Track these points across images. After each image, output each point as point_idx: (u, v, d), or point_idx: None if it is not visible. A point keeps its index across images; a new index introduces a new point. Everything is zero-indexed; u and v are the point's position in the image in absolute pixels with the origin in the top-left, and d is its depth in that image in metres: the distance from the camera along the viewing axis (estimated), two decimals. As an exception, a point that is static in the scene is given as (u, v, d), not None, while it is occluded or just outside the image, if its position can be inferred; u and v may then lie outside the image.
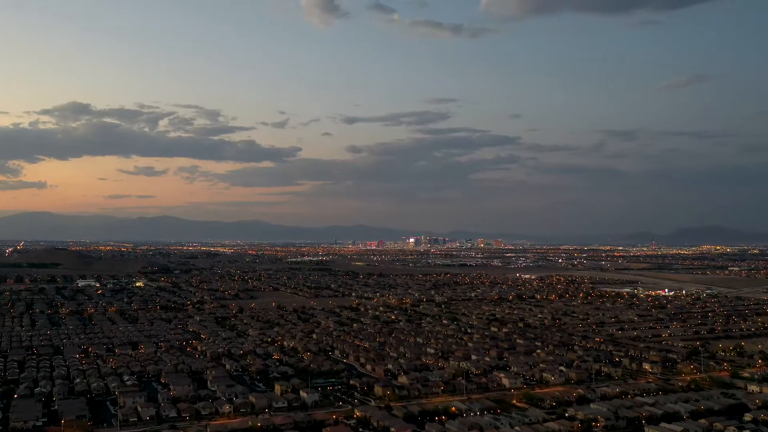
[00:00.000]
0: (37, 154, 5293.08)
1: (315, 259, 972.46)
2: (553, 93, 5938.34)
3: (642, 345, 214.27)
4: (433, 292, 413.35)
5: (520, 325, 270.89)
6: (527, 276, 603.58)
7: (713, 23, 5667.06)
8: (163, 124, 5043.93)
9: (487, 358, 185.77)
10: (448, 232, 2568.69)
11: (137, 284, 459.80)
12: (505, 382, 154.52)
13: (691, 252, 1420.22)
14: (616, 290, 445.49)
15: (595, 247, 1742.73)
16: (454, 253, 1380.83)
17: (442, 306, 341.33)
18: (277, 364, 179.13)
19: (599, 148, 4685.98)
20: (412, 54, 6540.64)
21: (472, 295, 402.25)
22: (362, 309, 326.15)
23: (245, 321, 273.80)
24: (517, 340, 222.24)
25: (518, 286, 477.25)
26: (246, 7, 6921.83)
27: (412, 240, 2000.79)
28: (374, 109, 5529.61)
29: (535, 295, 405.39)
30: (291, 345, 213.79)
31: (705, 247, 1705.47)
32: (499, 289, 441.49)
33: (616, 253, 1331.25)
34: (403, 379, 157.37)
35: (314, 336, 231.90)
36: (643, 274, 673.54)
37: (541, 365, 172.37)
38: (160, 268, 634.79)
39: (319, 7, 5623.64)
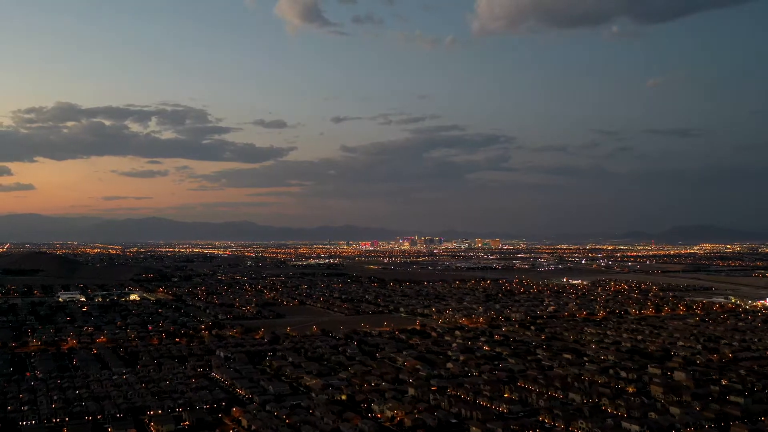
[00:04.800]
0: (29, 155, 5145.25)
1: (323, 262, 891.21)
2: (544, 96, 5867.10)
3: None
4: (498, 306, 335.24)
5: (679, 361, 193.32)
6: (577, 281, 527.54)
7: (694, 33, 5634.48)
8: (156, 124, 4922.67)
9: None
10: (439, 231, 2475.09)
11: (131, 297, 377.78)
12: None
13: (702, 251, 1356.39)
14: (707, 300, 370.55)
15: (603, 247, 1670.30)
16: (461, 254, 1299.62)
17: (532, 328, 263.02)
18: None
19: (590, 148, 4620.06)
20: (402, 59, 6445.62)
21: (550, 309, 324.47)
22: (433, 333, 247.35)
23: (290, 359, 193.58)
24: (729, 398, 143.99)
25: (590, 296, 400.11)
26: (228, 14, 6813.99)
27: (407, 240, 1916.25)
28: (366, 110, 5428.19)
29: (626, 308, 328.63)
30: (389, 413, 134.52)
31: (708, 246, 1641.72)
32: (568, 300, 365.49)
33: (629, 253, 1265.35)
34: None
35: (411, 391, 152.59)
36: (699, 277, 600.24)
37: None
38: (156, 275, 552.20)
39: (302, 17, 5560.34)
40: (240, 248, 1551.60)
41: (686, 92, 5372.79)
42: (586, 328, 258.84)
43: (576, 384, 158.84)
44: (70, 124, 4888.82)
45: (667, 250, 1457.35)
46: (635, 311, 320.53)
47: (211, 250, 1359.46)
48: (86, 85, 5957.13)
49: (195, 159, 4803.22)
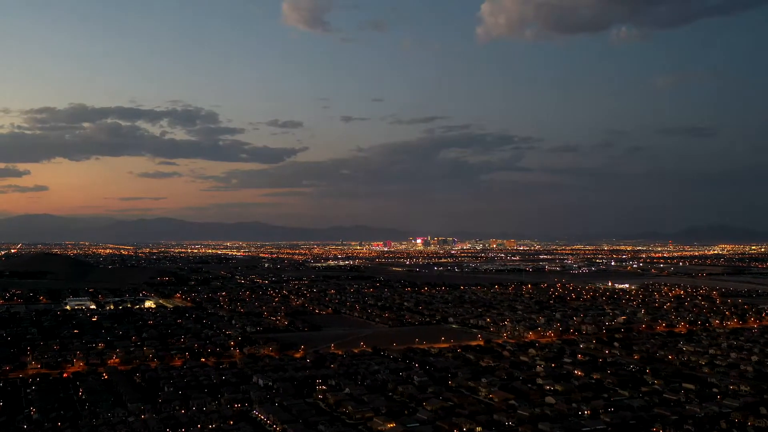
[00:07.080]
0: (48, 155, 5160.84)
1: (342, 264, 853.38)
2: (555, 97, 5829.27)
3: None
4: (559, 316, 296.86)
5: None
6: (624, 286, 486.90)
7: (703, 34, 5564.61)
8: (168, 124, 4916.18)
9: None
10: (451, 232, 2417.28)
11: (147, 304, 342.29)
12: None
13: (726, 252, 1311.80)
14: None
15: (621, 247, 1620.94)
16: (481, 255, 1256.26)
17: (615, 344, 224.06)
18: None
19: (602, 148, 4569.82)
20: (409, 62, 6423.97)
21: (620, 320, 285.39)
22: (504, 353, 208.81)
23: (347, 390, 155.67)
24: None
25: (651, 303, 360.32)
26: (234, 18, 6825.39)
27: (420, 240, 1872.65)
28: (377, 111, 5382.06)
29: (707, 319, 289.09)
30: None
31: (728, 247, 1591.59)
32: (631, 309, 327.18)
33: (653, 254, 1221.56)
34: None
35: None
36: (751, 281, 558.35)
37: None
38: (172, 278, 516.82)
39: (306, 23, 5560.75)
40: (253, 249, 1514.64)
41: (698, 92, 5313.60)
42: (681, 345, 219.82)
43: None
44: (86, 124, 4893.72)
45: (689, 251, 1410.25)
46: (717, 322, 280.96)
47: (223, 251, 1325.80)
48: (93, 86, 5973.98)
49: (210, 160, 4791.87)
